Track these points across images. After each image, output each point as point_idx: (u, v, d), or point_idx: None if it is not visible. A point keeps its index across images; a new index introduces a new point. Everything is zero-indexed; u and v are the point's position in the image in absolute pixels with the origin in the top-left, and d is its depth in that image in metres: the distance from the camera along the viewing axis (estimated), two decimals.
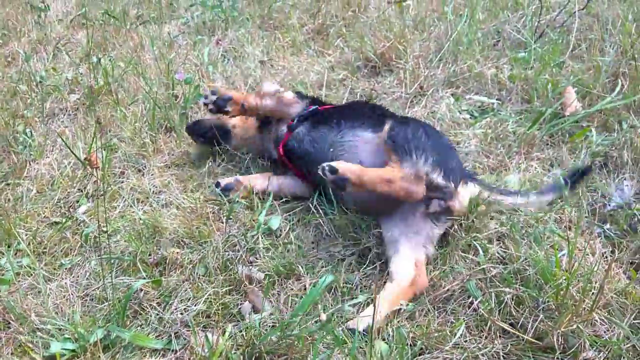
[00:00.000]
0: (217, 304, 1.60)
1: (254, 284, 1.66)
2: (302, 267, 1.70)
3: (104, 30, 3.33)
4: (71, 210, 2.07)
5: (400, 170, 1.60)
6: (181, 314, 1.58)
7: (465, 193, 1.73)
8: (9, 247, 1.85)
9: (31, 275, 1.75)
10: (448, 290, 1.55)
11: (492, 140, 2.21)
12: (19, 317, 1.57)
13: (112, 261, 1.76)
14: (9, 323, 1.58)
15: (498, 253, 1.64)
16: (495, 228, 1.74)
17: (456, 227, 1.73)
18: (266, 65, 2.97)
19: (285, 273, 1.69)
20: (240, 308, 1.59)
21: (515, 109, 2.36)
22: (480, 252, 1.62)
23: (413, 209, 1.70)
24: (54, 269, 1.79)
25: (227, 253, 1.75)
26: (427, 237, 1.69)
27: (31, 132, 2.42)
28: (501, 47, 2.85)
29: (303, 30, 3.29)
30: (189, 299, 1.62)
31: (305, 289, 1.64)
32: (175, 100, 2.60)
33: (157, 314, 1.59)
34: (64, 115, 2.63)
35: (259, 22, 3.43)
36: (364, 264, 1.72)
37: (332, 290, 1.63)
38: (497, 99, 2.44)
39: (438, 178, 1.64)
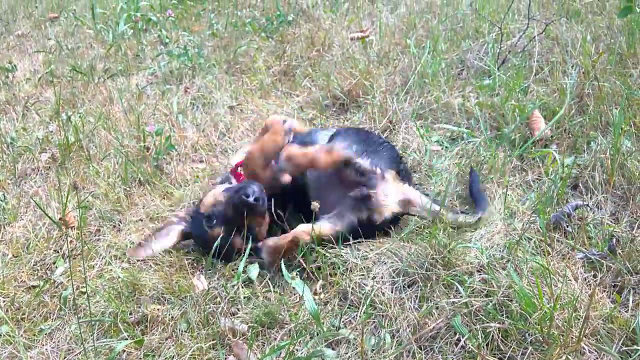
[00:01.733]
0: (202, 359, 1.60)
1: (238, 337, 1.66)
2: (285, 314, 1.71)
3: (72, 86, 3.37)
4: (48, 272, 2.05)
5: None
6: None
7: (392, 188, 1.94)
8: None
9: (11, 343, 1.72)
10: (433, 328, 1.57)
11: (464, 169, 2.28)
12: None
13: (92, 323, 1.74)
14: None
15: (480, 285, 1.68)
16: (475, 259, 1.78)
17: (434, 262, 1.76)
18: (235, 110, 3.03)
19: (269, 322, 1.70)
20: None
21: (484, 137, 2.44)
22: (460, 288, 1.65)
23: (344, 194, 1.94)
24: (34, 335, 1.76)
25: (208, 306, 1.75)
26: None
27: (4, 195, 2.41)
28: (465, 76, 2.97)
29: (269, 73, 3.38)
30: (173, 357, 1.62)
31: (289, 335, 1.65)
32: (147, 152, 2.64)
33: None
34: (36, 175, 2.63)
35: (226, 68, 3.51)
36: (346, 306, 1.74)
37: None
38: (466, 128, 2.53)
39: (364, 163, 1.91)
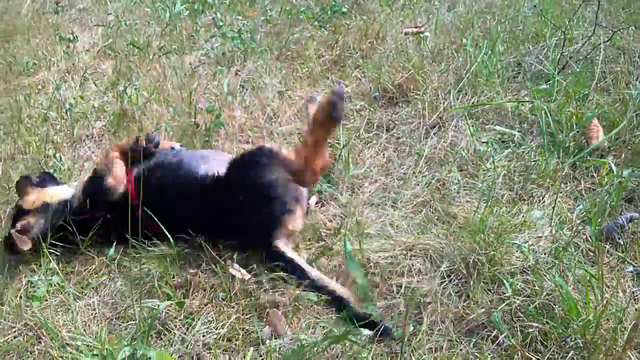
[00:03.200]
0: (239, 328, 1.66)
1: (277, 308, 1.72)
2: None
3: (129, 60, 3.51)
4: None
5: None
6: (203, 336, 1.64)
7: None
8: (40, 265, 1.95)
9: (61, 293, 1.84)
10: (472, 321, 1.59)
11: (514, 173, 2.27)
12: (50, 332, 1.66)
13: (137, 282, 1.84)
14: (40, 338, 1.67)
15: (522, 287, 1.68)
16: (520, 260, 1.78)
17: (478, 258, 1.77)
18: (284, 95, 3.09)
19: (307, 300, 1.75)
20: (261, 333, 1.65)
21: (537, 142, 2.42)
22: (507, 284, 1.66)
23: None
24: (82, 287, 1.88)
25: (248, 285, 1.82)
26: None
27: (61, 157, 2.55)
28: (522, 79, 2.94)
29: (320, 61, 3.43)
30: (211, 322, 1.69)
31: (327, 314, 1.70)
32: (197, 128, 2.72)
33: (180, 335, 1.66)
34: (90, 141, 2.77)
35: (277, 54, 3.57)
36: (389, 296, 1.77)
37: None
38: (518, 131, 2.52)
39: None
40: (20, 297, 1.86)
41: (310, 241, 2.03)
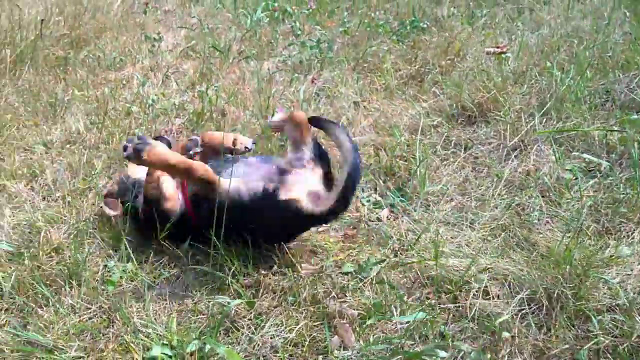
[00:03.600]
0: (307, 334, 1.65)
1: (345, 320, 1.70)
2: (395, 309, 1.72)
3: (209, 62, 3.63)
4: None
5: None
6: (271, 338, 1.64)
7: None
8: (115, 251, 2.03)
9: (134, 280, 1.90)
10: (554, 356, 1.51)
11: (600, 204, 2.15)
12: (123, 317, 1.71)
13: (208, 276, 1.88)
14: (113, 322, 1.73)
15: (610, 326, 1.58)
16: (607, 298, 1.68)
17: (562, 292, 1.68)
18: (359, 106, 3.09)
19: (376, 313, 1.72)
20: (329, 342, 1.63)
21: (627, 174, 2.28)
22: (595, 321, 1.56)
23: None
24: (154, 277, 1.93)
25: (317, 287, 1.81)
26: None
27: None
28: (610, 107, 2.80)
29: (397, 75, 3.41)
30: (279, 325, 1.69)
31: (397, 331, 1.66)
32: (272, 132, 2.77)
33: (248, 335, 1.66)
34: (169, 136, 2.86)
35: (353, 65, 3.59)
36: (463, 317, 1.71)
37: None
38: (606, 161, 2.39)
39: None
40: (97, 280, 1.93)
41: (380, 254, 2.00)
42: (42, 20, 3.85)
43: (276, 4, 4.55)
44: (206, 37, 4.07)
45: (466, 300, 1.75)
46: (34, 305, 1.80)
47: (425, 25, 3.94)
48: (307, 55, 3.67)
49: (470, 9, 4.30)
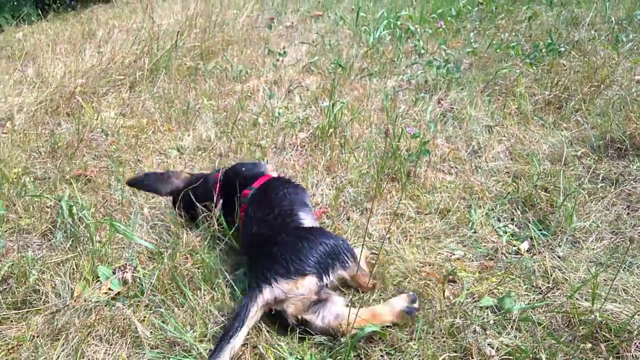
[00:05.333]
0: None
1: (484, 358, 1.61)
2: (543, 354, 1.61)
3: (332, 78, 3.71)
4: None
5: None
6: None
7: None
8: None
9: None
10: None
11: None
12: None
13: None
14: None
15: None
16: None
17: None
18: (492, 130, 2.99)
19: (523, 356, 1.61)
20: None
21: None
22: None
23: None
24: None
25: (454, 319, 1.74)
26: None
27: (267, 161, 2.76)
28: None
29: (532, 100, 3.26)
30: (413, 357, 1.64)
31: None
32: (397, 151, 2.75)
33: None
34: (292, 149, 2.95)
35: (483, 87, 3.50)
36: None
37: None
38: None
39: None
40: (227, 286, 2.00)
41: (523, 289, 1.89)
42: (178, 32, 4.17)
43: (399, 22, 4.58)
44: (327, 53, 4.18)
45: (627, 351, 1.60)
46: (171, 304, 1.90)
47: (563, 49, 3.75)
48: (433, 75, 3.64)
49: (613, 33, 4.04)
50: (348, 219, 2.35)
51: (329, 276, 1.81)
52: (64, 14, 7.78)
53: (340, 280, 1.90)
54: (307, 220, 2.04)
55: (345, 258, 1.85)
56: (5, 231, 2.39)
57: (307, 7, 5.81)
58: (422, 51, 4.14)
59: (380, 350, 1.69)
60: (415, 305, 1.78)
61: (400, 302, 1.77)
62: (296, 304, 1.75)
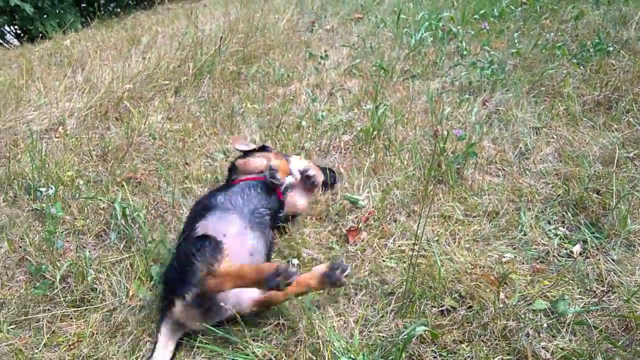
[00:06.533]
0: None
1: None
2: (600, 358, 1.60)
3: (374, 81, 3.75)
4: (344, 244, 2.33)
5: None
6: None
7: None
8: (288, 261, 2.18)
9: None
10: None
11: None
12: (308, 327, 1.81)
13: (393, 297, 1.93)
14: (296, 331, 1.84)
15: None
16: None
17: None
18: (540, 132, 2.97)
19: None
20: None
21: None
22: None
23: None
24: (335, 292, 2.02)
25: (507, 322, 1.75)
26: None
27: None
28: None
29: (580, 101, 3.22)
30: (466, 359, 1.66)
31: None
32: (443, 153, 2.76)
33: None
34: (336, 152, 3.00)
35: (528, 88, 3.47)
36: None
37: None
38: None
39: None
40: None
41: (577, 293, 1.88)
42: (221, 37, 4.29)
43: (441, 23, 4.58)
44: (369, 55, 4.22)
45: None
46: None
47: (611, 48, 3.68)
48: (477, 76, 3.63)
49: None
50: (395, 220, 2.38)
51: None
52: (108, 21, 8.08)
53: None
54: None
55: None
56: (62, 232, 2.51)
57: (347, 10, 5.87)
58: (465, 52, 4.13)
59: (433, 352, 1.72)
60: (342, 272, 1.88)
61: (320, 268, 1.92)
62: None
